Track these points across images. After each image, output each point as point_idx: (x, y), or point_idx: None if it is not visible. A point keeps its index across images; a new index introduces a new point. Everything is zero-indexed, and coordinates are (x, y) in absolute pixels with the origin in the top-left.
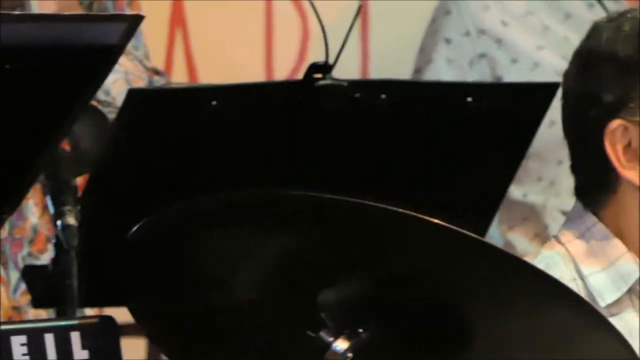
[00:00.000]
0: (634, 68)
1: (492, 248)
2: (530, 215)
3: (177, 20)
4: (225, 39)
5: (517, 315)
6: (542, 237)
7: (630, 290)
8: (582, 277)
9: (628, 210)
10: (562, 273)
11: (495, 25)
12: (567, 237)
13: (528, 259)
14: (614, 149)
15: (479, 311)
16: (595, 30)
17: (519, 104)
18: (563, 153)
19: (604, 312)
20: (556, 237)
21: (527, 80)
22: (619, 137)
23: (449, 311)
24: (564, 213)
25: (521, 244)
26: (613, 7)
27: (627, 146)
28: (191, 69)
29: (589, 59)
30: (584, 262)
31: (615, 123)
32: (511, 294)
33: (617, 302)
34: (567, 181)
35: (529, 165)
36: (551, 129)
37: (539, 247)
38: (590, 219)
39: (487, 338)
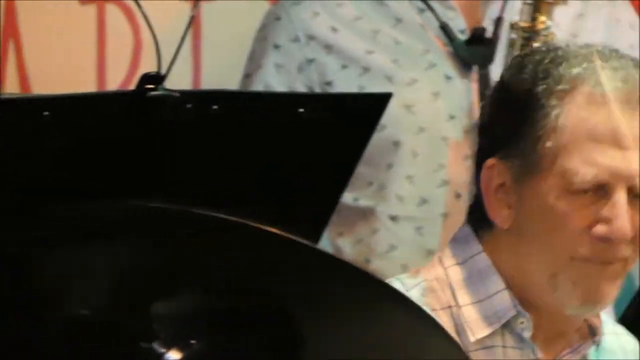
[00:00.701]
0: (522, 110)
1: (325, 255)
2: (360, 220)
3: (10, 31)
4: (57, 49)
5: (352, 321)
6: (366, 241)
7: (504, 327)
8: (457, 305)
9: (502, 249)
10: (439, 300)
11: (325, 31)
12: (449, 261)
13: (408, 276)
14: (488, 186)
15: (314, 318)
16: (513, 61)
17: (352, 114)
18: (393, 157)
19: (474, 345)
20: (440, 258)
21: (357, 85)
22: (495, 175)
23: (283, 320)
24: (392, 218)
25: (349, 248)
26: (443, 12)
27: (501, 185)
28: (23, 79)
29: (498, 89)
30: (461, 291)
31: (493, 160)
32: (345, 301)
33: (488, 336)
34: (396, 185)
35: (360, 169)
36: (381, 133)
37: (362, 251)
38: (476, 247)
39: (323, 345)
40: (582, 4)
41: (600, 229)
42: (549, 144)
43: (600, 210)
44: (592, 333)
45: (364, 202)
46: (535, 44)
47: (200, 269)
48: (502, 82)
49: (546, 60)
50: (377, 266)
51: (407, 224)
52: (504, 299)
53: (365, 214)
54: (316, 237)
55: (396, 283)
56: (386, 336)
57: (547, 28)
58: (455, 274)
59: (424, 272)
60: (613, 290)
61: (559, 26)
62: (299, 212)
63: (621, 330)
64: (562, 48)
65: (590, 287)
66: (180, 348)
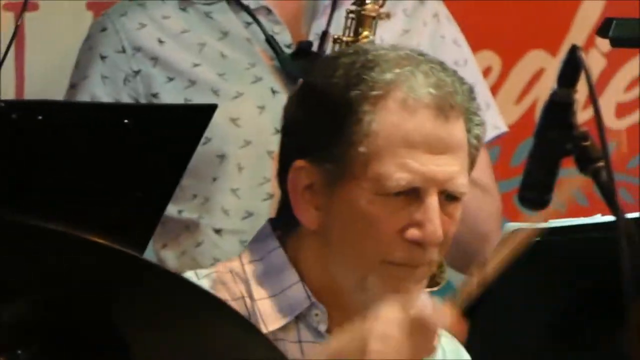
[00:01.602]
0: (335, 115)
1: (150, 265)
2: (185, 232)
3: None
4: None
5: (178, 330)
6: (190, 254)
7: (299, 320)
8: (252, 298)
9: (307, 248)
10: (230, 291)
11: (151, 43)
12: (248, 257)
13: (213, 269)
14: (295, 187)
15: (138, 327)
16: (321, 64)
17: (177, 125)
18: (218, 170)
19: (268, 337)
20: (241, 255)
21: (183, 98)
22: (303, 176)
23: (108, 329)
24: (216, 231)
25: (173, 260)
26: (269, 26)
27: (309, 187)
28: None
29: (307, 91)
30: (256, 285)
31: (302, 162)
32: (169, 309)
33: (283, 330)
34: (221, 198)
35: (185, 182)
36: (207, 146)
37: (186, 264)
38: (273, 243)
39: (147, 353)
40: (407, 20)
41: (413, 232)
42: (362, 149)
43: (413, 214)
44: None
45: (188, 215)
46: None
47: (27, 280)
48: (309, 84)
49: (357, 65)
50: None
51: (231, 237)
52: (298, 291)
53: (190, 226)
54: (141, 248)
55: (189, 273)
56: (209, 343)
57: (370, 43)
58: (252, 269)
59: (221, 265)
60: (417, 291)
61: (384, 42)
62: (124, 223)
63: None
64: (371, 51)
65: (398, 289)
66: (6, 358)
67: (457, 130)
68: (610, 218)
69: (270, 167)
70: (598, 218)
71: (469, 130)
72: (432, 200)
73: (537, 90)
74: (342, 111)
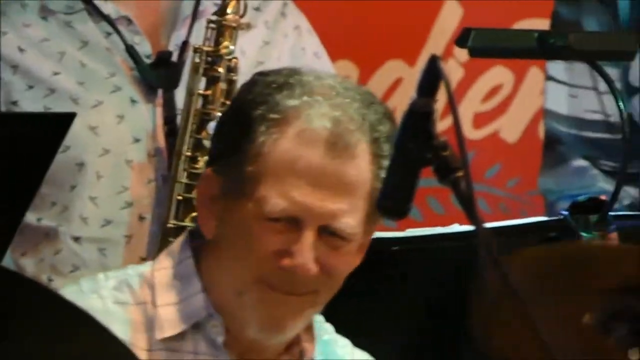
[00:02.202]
0: (237, 130)
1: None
2: (44, 240)
3: None
4: None
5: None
6: (49, 262)
7: (197, 330)
8: (154, 304)
9: (207, 257)
10: (134, 295)
11: (12, 50)
12: (161, 264)
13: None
14: (202, 195)
15: None
16: (252, 78)
17: (36, 133)
18: (77, 178)
19: (159, 344)
20: (155, 260)
21: (43, 106)
22: (209, 185)
23: None
24: (75, 239)
25: (31, 268)
26: (129, 36)
27: (213, 197)
28: None
29: (231, 103)
30: (161, 291)
31: (210, 171)
32: (26, 316)
33: (179, 338)
34: (80, 206)
35: (43, 190)
36: (65, 154)
37: (45, 271)
38: (186, 252)
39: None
40: (269, 32)
41: (285, 260)
42: (250, 168)
43: (289, 242)
44: (302, 355)
45: (47, 223)
46: (220, 69)
47: None
48: (236, 96)
49: (273, 85)
50: (60, 286)
51: (90, 245)
52: (198, 301)
53: (49, 234)
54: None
55: (100, 275)
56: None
57: (230, 53)
58: (161, 276)
59: (132, 268)
60: (297, 322)
61: (246, 53)
62: None
63: (344, 343)
64: (297, 75)
65: (271, 314)
66: None
67: (349, 168)
68: (468, 228)
69: (129, 176)
70: (456, 227)
71: (377, 177)
72: (307, 234)
73: (395, 99)
74: (243, 128)
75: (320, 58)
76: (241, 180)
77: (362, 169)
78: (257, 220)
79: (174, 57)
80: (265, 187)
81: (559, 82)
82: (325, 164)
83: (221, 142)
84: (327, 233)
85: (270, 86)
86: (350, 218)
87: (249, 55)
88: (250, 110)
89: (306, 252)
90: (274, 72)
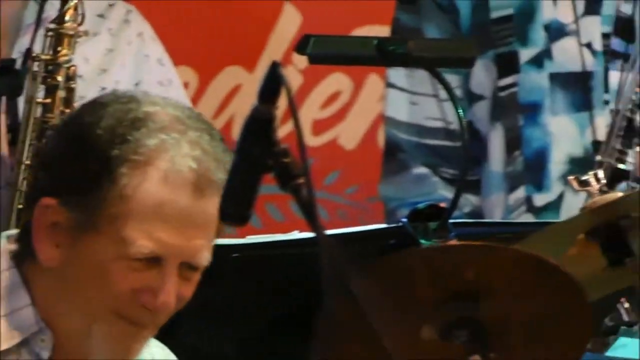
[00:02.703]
0: (93, 167)
1: None
2: None
3: None
4: None
5: None
6: None
7: (24, 345)
8: None
9: (44, 274)
10: None
11: None
12: None
13: None
14: (40, 222)
15: None
16: (87, 106)
17: None
18: None
19: None
20: None
21: None
22: (50, 214)
23: None
24: None
25: None
26: None
27: (54, 224)
28: None
29: (72, 131)
30: None
31: (52, 201)
32: None
33: (6, 353)
34: None
35: None
36: None
37: None
38: (6, 263)
39: None
40: (113, 39)
41: (146, 297)
42: (112, 209)
43: (151, 279)
44: None
45: None
46: (59, 77)
47: None
48: (76, 124)
49: (125, 122)
50: None
51: None
52: (28, 314)
53: None
54: None
55: None
56: None
57: (69, 61)
58: None
59: None
60: (140, 351)
61: (89, 60)
62: None
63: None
64: (143, 106)
65: (122, 345)
66: None
67: (210, 205)
68: (308, 235)
69: None
70: (296, 234)
71: None
72: (172, 272)
73: (234, 106)
74: (100, 167)
75: (164, 65)
76: (98, 218)
77: (216, 203)
78: (117, 259)
79: (17, 65)
80: (129, 228)
81: (399, 89)
82: (191, 205)
83: (70, 176)
84: (185, 267)
85: (121, 123)
86: (207, 251)
87: (93, 62)
88: (107, 148)
89: (171, 290)
90: (112, 99)
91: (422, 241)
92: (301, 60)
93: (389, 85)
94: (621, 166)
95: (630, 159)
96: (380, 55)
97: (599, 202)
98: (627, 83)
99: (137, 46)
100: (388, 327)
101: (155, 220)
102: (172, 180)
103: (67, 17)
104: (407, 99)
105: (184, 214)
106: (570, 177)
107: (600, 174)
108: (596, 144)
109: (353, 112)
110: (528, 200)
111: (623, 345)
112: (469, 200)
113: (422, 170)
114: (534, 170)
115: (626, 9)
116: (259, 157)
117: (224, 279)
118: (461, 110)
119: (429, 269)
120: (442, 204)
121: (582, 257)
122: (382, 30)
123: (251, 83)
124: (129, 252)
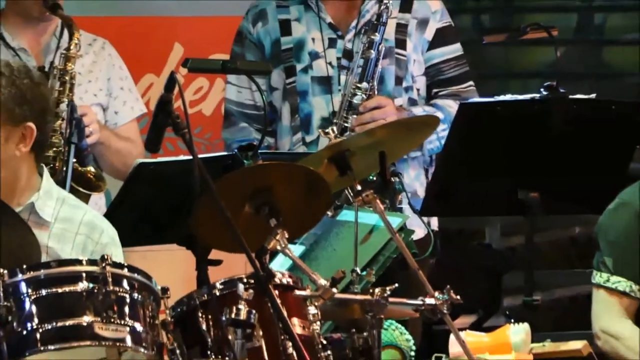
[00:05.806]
0: None
1: None
2: None
3: None
4: None
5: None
6: None
7: None
8: None
9: None
10: None
11: None
12: None
13: None
14: None
15: None
16: None
17: None
18: None
19: None
20: None
21: None
22: None
23: None
24: None
25: None
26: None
27: None
28: None
29: None
30: None
31: None
32: None
33: None
34: None
35: None
36: None
37: None
38: None
39: None
40: (95, 56)
41: None
42: None
43: None
44: None
45: None
46: (67, 77)
47: None
48: None
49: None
50: None
51: None
52: None
53: None
54: None
55: None
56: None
57: (72, 69)
58: None
59: None
60: None
61: (84, 66)
62: None
63: None
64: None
65: None
66: None
67: None
68: (187, 157)
69: None
70: (181, 157)
71: None
72: None
73: (151, 93)
74: None
75: (123, 70)
76: None
77: None
78: None
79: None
80: None
81: (232, 84)
82: None
83: None
84: None
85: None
86: None
87: (84, 69)
88: None
89: None
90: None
91: (245, 161)
92: (184, 70)
93: (227, 82)
94: (346, 125)
95: (349, 121)
96: (223, 68)
97: (334, 142)
98: (348, 81)
99: (108, 60)
100: (228, 208)
101: None
102: None
103: (72, 46)
104: (236, 89)
105: None
106: (320, 129)
107: (335, 128)
108: (333, 112)
109: (210, 96)
110: (303, 140)
111: (345, 214)
112: (269, 141)
113: (243, 124)
114: (305, 125)
115: (348, 45)
116: (164, 119)
117: (143, 181)
118: (265, 96)
119: (248, 177)
120: (255, 143)
121: (326, 171)
122: (225, 56)
123: (159, 83)
124: None
